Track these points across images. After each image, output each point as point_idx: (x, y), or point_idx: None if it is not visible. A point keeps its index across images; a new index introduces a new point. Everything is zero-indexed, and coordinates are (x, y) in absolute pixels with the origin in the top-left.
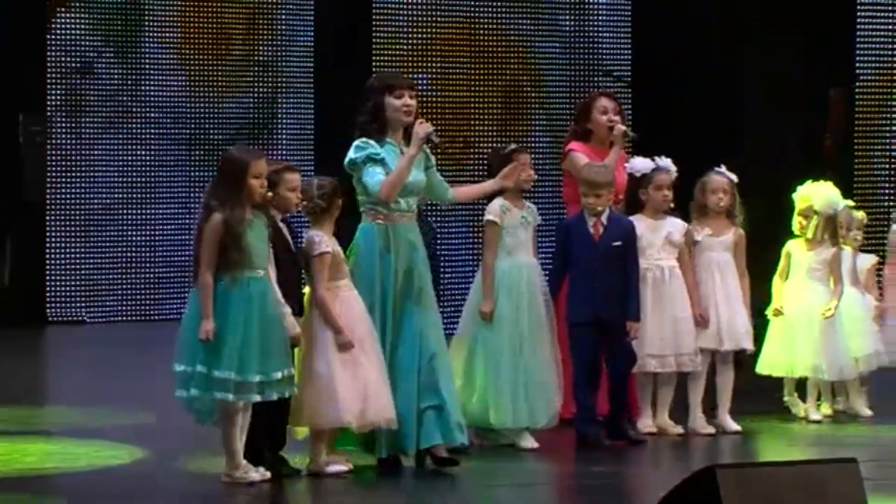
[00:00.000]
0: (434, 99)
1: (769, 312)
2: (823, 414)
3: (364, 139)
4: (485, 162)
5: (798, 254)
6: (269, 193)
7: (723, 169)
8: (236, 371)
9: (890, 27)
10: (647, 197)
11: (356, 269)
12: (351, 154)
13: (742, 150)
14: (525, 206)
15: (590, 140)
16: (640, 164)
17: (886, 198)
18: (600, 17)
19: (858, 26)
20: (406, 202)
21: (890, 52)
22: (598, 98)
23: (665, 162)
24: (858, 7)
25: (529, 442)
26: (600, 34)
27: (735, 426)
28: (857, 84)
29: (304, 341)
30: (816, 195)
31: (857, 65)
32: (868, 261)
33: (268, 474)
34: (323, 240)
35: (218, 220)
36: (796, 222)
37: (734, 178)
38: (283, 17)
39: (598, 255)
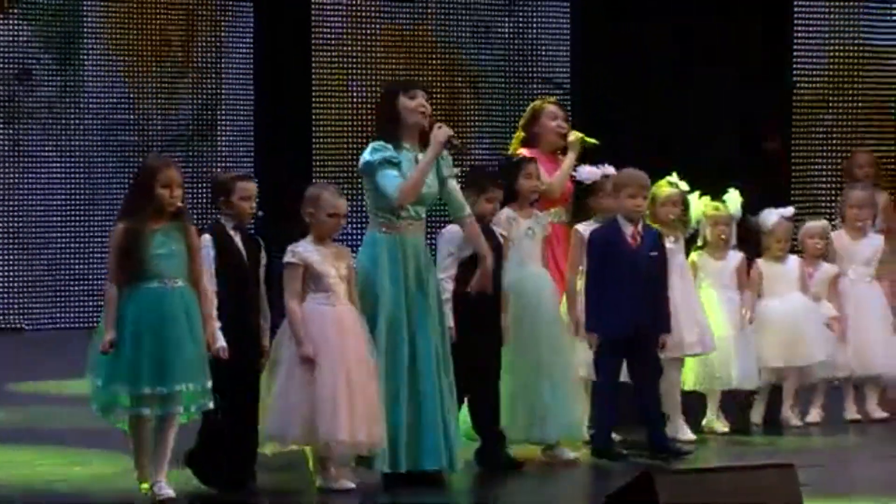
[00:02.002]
0: (375, 106)
1: None
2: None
3: (381, 142)
4: None
5: (707, 265)
6: (180, 203)
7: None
8: (129, 383)
9: (826, 32)
10: (596, 205)
11: (359, 280)
12: (366, 156)
13: (678, 159)
14: (532, 216)
15: (537, 146)
16: (589, 172)
17: (824, 203)
18: (539, 24)
19: (796, 33)
20: (416, 210)
21: (827, 57)
22: (546, 104)
23: (611, 170)
24: (795, 11)
25: (566, 453)
26: (539, 41)
27: (690, 435)
28: (795, 91)
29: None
30: (732, 201)
31: (795, 68)
32: (831, 270)
33: (171, 493)
34: (296, 250)
35: (120, 230)
36: (713, 232)
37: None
38: (223, 23)
39: (637, 266)
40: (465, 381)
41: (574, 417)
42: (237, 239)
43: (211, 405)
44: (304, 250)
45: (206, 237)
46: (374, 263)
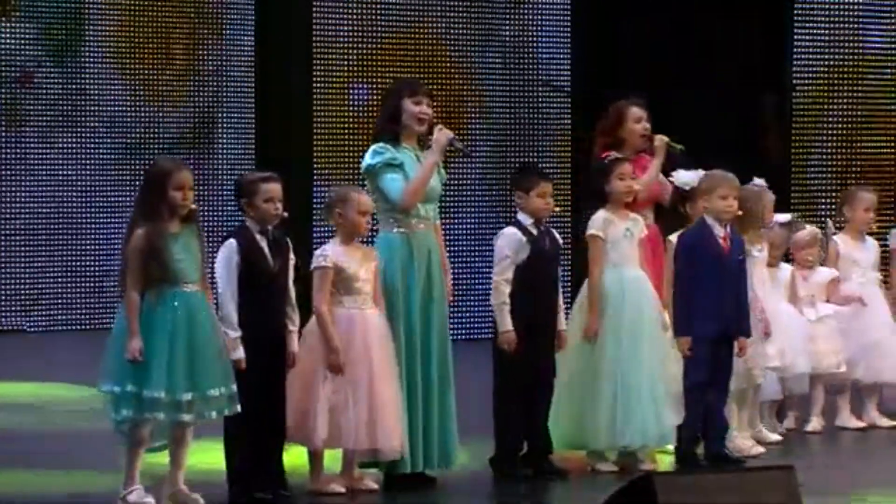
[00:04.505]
0: (376, 109)
1: None
2: None
3: (381, 144)
4: None
5: None
6: (193, 206)
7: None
8: (166, 390)
9: (826, 33)
10: (693, 210)
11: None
12: (368, 159)
13: (678, 159)
14: (629, 218)
15: (622, 150)
16: (687, 176)
17: (823, 207)
18: (540, 27)
19: (796, 33)
20: (425, 209)
21: (826, 60)
22: (630, 106)
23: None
24: (795, 12)
25: (606, 465)
26: (540, 44)
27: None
28: (794, 93)
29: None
30: None
31: (794, 71)
32: (828, 274)
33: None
34: (325, 254)
35: (140, 236)
36: None
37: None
38: (225, 26)
39: (726, 269)
40: (522, 385)
41: (670, 424)
42: (263, 243)
43: (238, 409)
44: (335, 253)
45: (231, 242)
46: (390, 264)
